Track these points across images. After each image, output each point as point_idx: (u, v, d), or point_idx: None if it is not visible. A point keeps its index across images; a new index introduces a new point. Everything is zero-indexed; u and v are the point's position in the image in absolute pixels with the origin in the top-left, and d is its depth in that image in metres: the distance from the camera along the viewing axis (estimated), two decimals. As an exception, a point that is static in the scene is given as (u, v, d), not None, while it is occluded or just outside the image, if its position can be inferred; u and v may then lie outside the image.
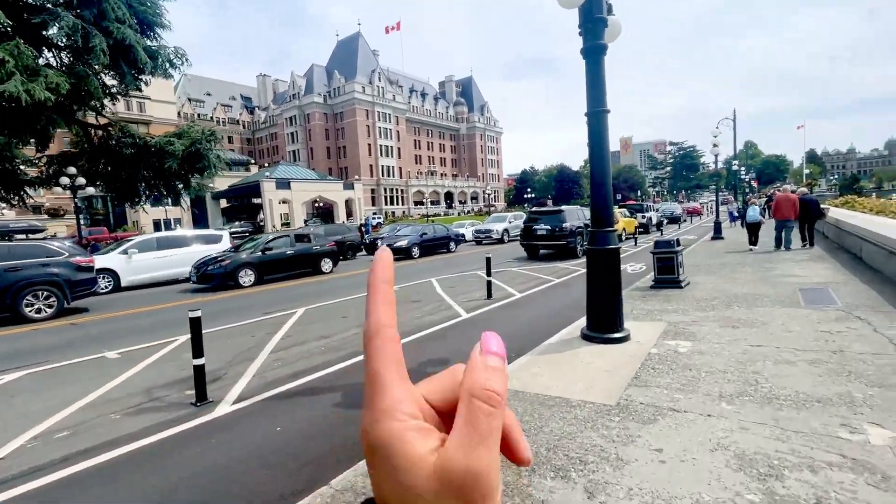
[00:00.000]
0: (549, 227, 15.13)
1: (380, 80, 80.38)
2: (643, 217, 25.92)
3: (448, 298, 9.10)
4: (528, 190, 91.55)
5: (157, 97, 56.88)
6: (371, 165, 77.68)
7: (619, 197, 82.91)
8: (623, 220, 21.72)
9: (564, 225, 14.86)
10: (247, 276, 12.51)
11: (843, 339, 4.41)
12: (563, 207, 16.01)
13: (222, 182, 51.34)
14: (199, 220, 52.09)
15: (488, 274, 8.86)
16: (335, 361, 5.37)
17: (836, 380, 3.47)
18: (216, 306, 9.69)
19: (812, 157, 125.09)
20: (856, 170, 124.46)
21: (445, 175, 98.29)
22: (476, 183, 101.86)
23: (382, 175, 78.13)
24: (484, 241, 25.05)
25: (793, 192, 12.98)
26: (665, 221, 34.27)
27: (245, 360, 5.64)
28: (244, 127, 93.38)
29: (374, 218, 55.85)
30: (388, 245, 18.47)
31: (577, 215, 15.95)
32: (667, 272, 8.07)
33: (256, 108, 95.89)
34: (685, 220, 36.28)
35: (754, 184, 76.12)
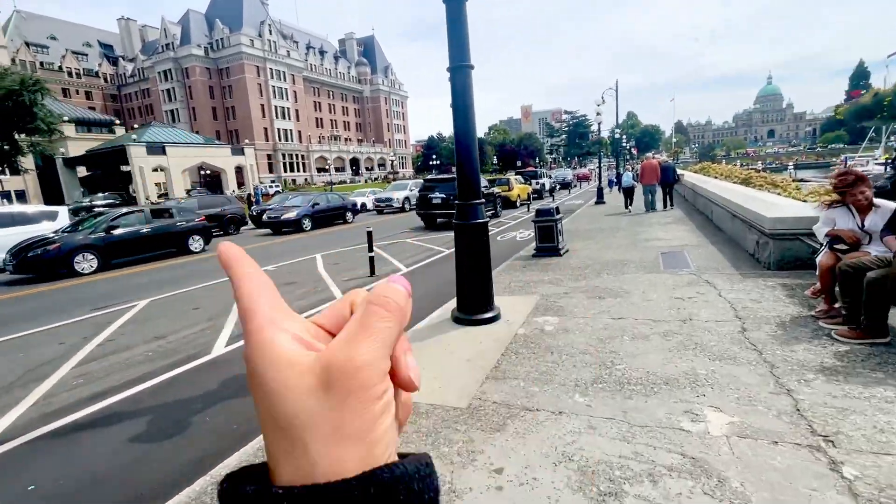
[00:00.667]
0: (444, 196, 14.73)
1: (271, 34, 72.32)
2: (537, 183, 26.90)
3: (328, 278, 8.27)
4: (434, 157, 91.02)
5: (-28, 37, 45.00)
6: (266, 129, 70.80)
7: (519, 164, 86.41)
8: (518, 187, 22.22)
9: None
10: (85, 262, 10.31)
11: (693, 306, 4.55)
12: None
13: (79, 147, 43.06)
14: (50, 191, 43.36)
15: (370, 249, 8.16)
16: (159, 372, 4.35)
17: (683, 355, 3.44)
18: (30, 303, 7.76)
19: (679, 128, 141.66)
20: (711, 139, 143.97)
21: (350, 140, 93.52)
22: (383, 149, 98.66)
23: (280, 139, 71.80)
24: (385, 211, 24.13)
25: (658, 160, 14.38)
26: (557, 187, 36.28)
27: (34, 379, 4.36)
28: (106, 80, 78.50)
29: (271, 186, 51.35)
30: (275, 218, 16.77)
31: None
32: (547, 240, 8.08)
33: (121, 59, 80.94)
34: (576, 186, 38.74)
35: (634, 151, 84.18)
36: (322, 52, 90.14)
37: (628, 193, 15.01)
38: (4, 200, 41.68)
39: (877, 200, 3.56)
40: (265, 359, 0.23)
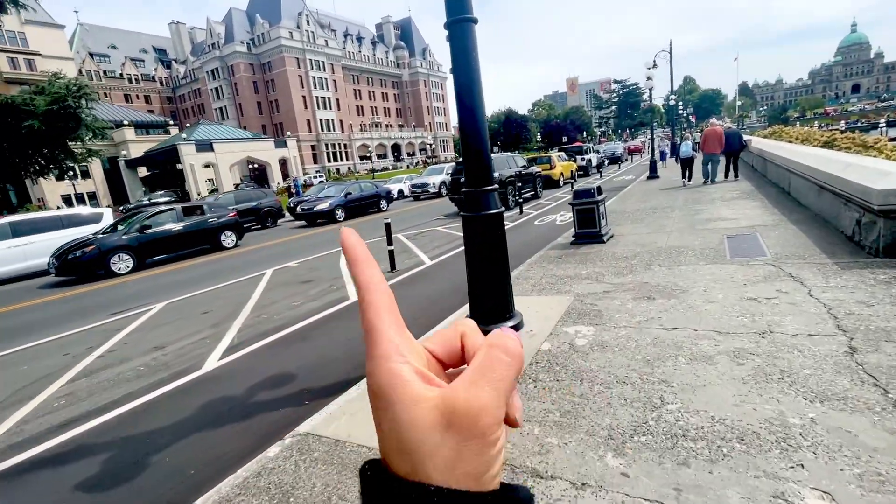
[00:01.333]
0: (477, 179, 13.81)
1: (309, 24, 72.95)
2: (583, 159, 25.17)
3: (347, 275, 7.75)
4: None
5: (47, 52, 48.75)
6: (308, 120, 72.14)
7: (564, 139, 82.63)
8: (561, 165, 20.81)
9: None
10: (121, 262, 10.51)
11: (773, 311, 3.50)
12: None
13: (139, 148, 45.86)
14: (117, 192, 46.73)
15: (389, 242, 7.53)
16: (142, 392, 3.97)
17: (765, 389, 2.49)
18: (60, 307, 7.85)
19: (744, 90, 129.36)
20: (783, 100, 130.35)
21: (391, 126, 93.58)
22: (424, 133, 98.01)
23: (322, 130, 72.98)
24: (422, 197, 23.54)
25: (722, 126, 12.76)
26: (606, 162, 33.96)
27: (20, 399, 4.12)
28: (162, 84, 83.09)
29: (316, 176, 52.28)
30: (308, 209, 16.63)
31: (507, 163, 14.69)
32: (587, 225, 7.05)
33: (174, 62, 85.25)
34: (626, 160, 36.14)
35: (692, 119, 77.70)
36: (359, 39, 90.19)
37: (686, 164, 13.58)
38: (92, 202, 45.42)
39: None
40: (395, 392, 0.24)
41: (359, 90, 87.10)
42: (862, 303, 3.40)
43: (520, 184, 14.70)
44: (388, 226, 7.54)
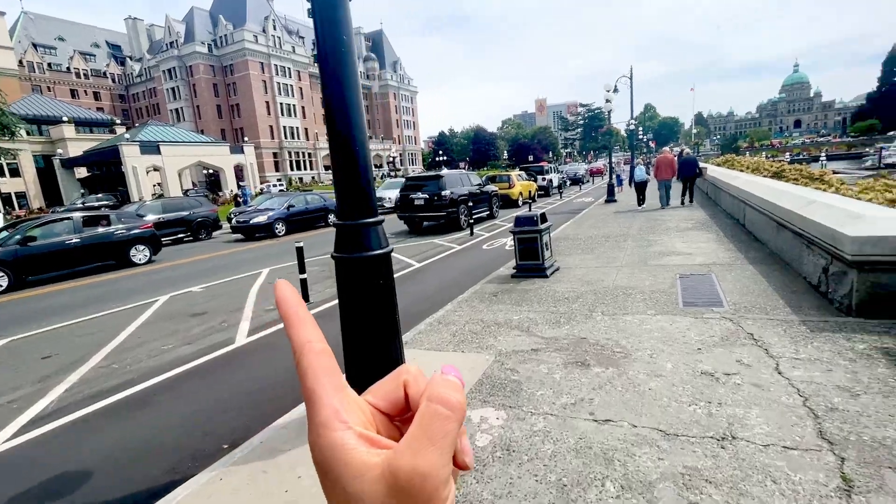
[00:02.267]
0: (426, 196, 12.90)
1: (275, 29, 71.07)
2: (544, 179, 24.88)
3: (250, 306, 6.54)
4: (440, 153, 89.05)
5: (-21, 39, 44.71)
6: (271, 126, 69.77)
7: (531, 158, 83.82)
8: (521, 184, 20.28)
9: (444, 193, 12.70)
10: (-7, 281, 8.81)
11: (735, 397, 2.66)
12: (444, 172, 13.83)
13: (78, 147, 42.40)
14: (52, 193, 42.82)
15: (301, 270, 6.39)
16: None
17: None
18: None
19: (700, 120, 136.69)
20: (734, 131, 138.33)
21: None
22: (392, 146, 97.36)
23: (285, 137, 70.73)
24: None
25: (672, 154, 13.15)
26: (568, 183, 34.06)
27: None
28: (115, 81, 78.40)
29: (276, 185, 50.01)
30: (244, 222, 15.17)
31: (459, 181, 13.88)
32: (529, 256, 6.20)
33: (129, 59, 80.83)
34: (588, 181, 36.42)
35: (652, 144, 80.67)
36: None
37: (640, 189, 13.80)
38: (22, 202, 41.41)
39: None
40: (339, 463, 0.24)
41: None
42: (844, 390, 2.61)
43: (472, 203, 13.91)
44: (300, 251, 6.41)
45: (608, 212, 13.71)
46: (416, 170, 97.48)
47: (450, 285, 6.70)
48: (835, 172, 11.06)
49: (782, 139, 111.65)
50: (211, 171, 48.35)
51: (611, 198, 16.66)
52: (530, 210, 6.36)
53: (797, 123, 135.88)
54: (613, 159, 22.16)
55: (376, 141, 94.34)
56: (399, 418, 0.28)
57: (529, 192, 20.85)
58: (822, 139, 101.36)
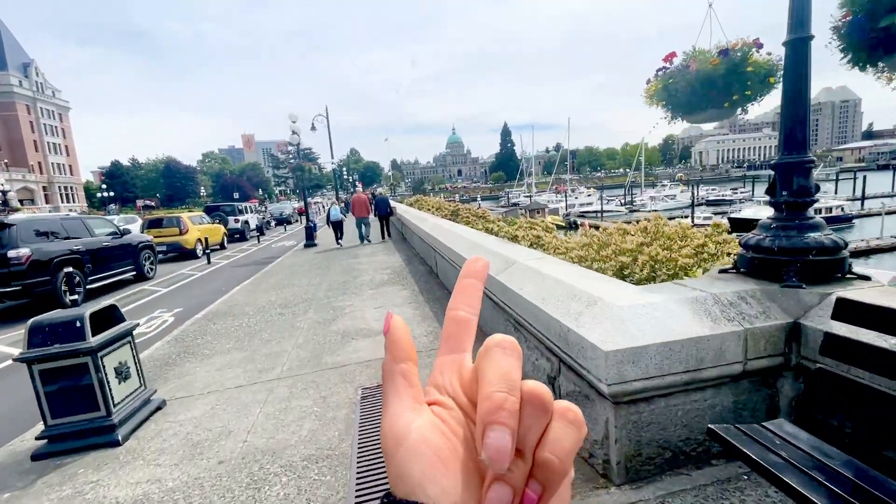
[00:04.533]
0: None
1: None
2: (236, 221, 20.78)
3: None
4: (109, 188, 69.38)
5: None
6: None
7: (236, 195, 75.13)
8: (199, 229, 15.76)
9: (14, 254, 7.43)
10: None
11: None
12: (18, 218, 8.33)
13: None
14: None
15: None
16: None
17: None
18: None
19: (395, 165, 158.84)
20: (420, 176, 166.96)
21: (-51, 161, 60.73)
22: (28, 176, 68.86)
23: None
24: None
25: (368, 194, 13.19)
26: (273, 223, 30.72)
27: None
28: None
29: None
30: None
31: (59, 228, 8.70)
32: (74, 407, 2.96)
33: None
34: (296, 220, 34.04)
35: (359, 184, 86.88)
36: None
37: (337, 227, 14.32)
38: None
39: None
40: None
41: None
42: None
43: (93, 264, 8.98)
44: None
45: (304, 259, 11.47)
46: (75, 208, 71.70)
47: None
48: (482, 209, 12.99)
49: (451, 184, 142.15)
50: None
51: (310, 241, 14.62)
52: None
53: (459, 172, 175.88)
54: (321, 200, 20.57)
55: (-13, 168, 64.13)
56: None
57: (222, 236, 16.56)
58: (475, 184, 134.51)
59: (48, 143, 76.75)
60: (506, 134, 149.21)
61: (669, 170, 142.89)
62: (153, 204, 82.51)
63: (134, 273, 10.70)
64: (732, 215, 39.17)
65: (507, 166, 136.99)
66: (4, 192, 26.36)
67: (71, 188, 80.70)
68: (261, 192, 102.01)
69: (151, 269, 11.44)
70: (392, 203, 16.58)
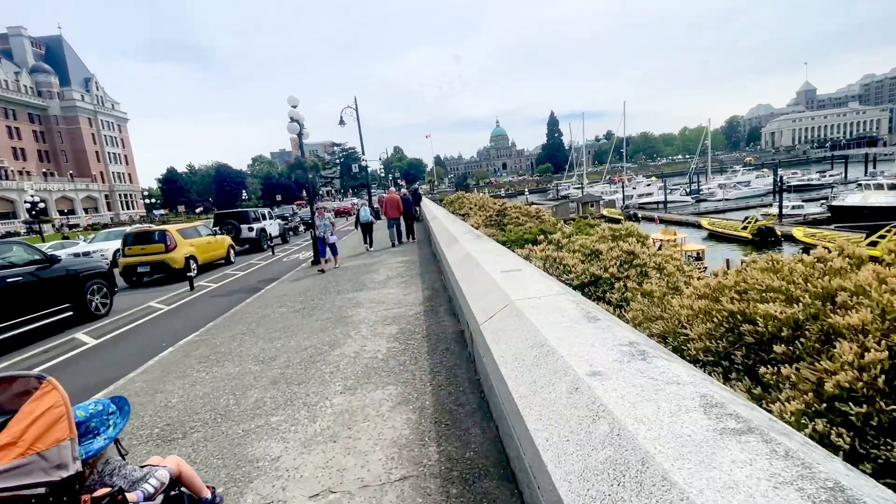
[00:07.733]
0: None
1: None
2: (251, 230, 18.29)
3: None
4: (146, 195, 72.20)
5: None
6: None
7: (279, 197, 75.34)
8: (192, 242, 13.21)
9: None
10: None
11: None
12: None
13: None
14: None
15: None
16: None
17: None
18: None
19: (438, 161, 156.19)
20: (463, 171, 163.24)
21: (30, 173, 65.28)
22: (91, 185, 72.90)
23: None
24: None
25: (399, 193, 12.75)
26: (301, 228, 28.33)
27: None
28: None
29: None
30: None
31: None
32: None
33: None
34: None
35: (402, 182, 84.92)
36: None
37: (367, 230, 13.31)
38: None
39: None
40: None
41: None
42: None
43: (4, 307, 6.31)
44: None
45: (296, 289, 8.36)
46: (136, 215, 75.17)
47: None
48: (533, 203, 10.31)
49: (496, 178, 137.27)
50: None
51: (317, 259, 11.59)
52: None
53: (504, 165, 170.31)
54: (358, 201, 17.93)
55: (60, 179, 68.01)
56: None
57: (222, 251, 14.04)
58: (520, 178, 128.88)
59: (109, 153, 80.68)
60: (553, 124, 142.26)
61: (735, 154, 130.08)
62: (203, 209, 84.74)
63: (71, 313, 8.03)
64: (834, 203, 32.37)
65: (554, 157, 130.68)
66: (34, 204, 25.76)
67: (130, 195, 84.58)
68: (304, 192, 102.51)
69: (104, 304, 8.77)
70: (424, 201, 14.95)
